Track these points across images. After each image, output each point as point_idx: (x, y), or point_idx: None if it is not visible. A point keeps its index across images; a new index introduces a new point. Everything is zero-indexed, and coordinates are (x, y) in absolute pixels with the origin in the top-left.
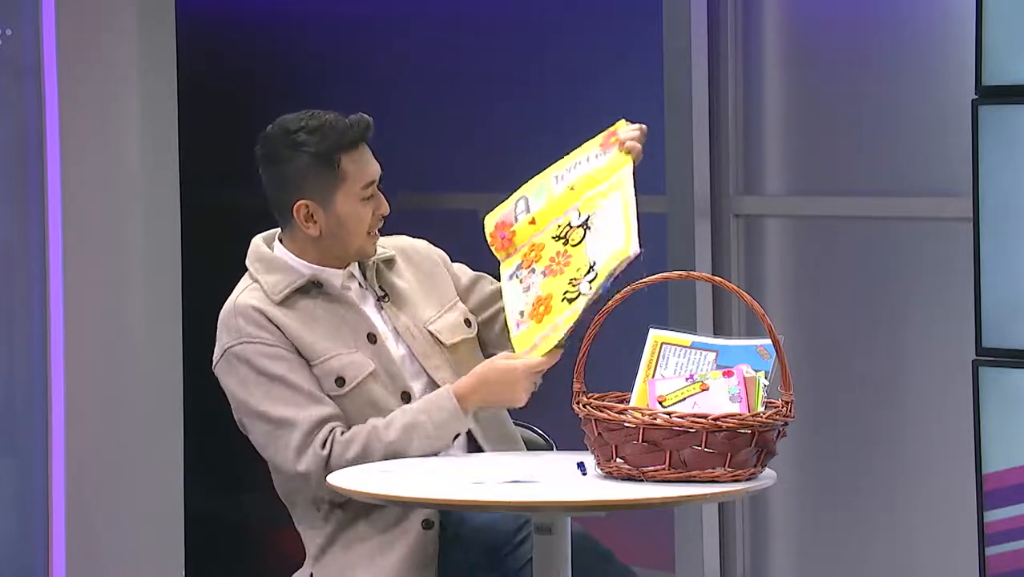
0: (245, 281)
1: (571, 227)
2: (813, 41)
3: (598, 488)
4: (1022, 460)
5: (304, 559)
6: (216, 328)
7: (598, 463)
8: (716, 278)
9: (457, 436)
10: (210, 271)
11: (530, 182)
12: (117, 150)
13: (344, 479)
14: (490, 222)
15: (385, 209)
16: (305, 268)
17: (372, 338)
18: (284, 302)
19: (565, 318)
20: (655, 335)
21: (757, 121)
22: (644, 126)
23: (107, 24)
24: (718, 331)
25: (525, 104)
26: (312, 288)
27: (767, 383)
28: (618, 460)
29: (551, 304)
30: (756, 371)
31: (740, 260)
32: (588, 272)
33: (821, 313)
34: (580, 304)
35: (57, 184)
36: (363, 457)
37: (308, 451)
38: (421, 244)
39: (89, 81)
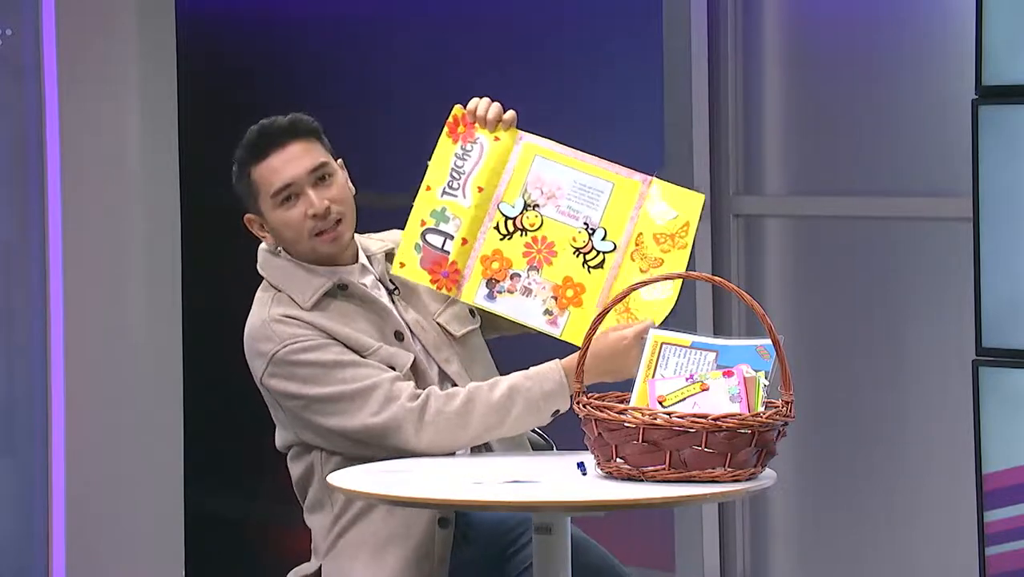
0: (266, 292)
1: (512, 218)
2: (813, 41)
3: (598, 488)
4: (1022, 460)
5: (306, 557)
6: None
7: (598, 463)
8: (716, 278)
9: (557, 412)
10: (210, 271)
11: (415, 214)
12: (117, 150)
13: (344, 479)
14: (415, 272)
15: (315, 208)
16: (324, 271)
17: (399, 336)
18: (315, 307)
19: (658, 272)
20: (655, 335)
21: (757, 121)
22: (482, 99)
23: (107, 24)
24: (718, 331)
25: (524, 104)
26: (338, 291)
27: (767, 383)
28: (618, 460)
29: (579, 282)
30: (756, 371)
31: (740, 260)
32: (590, 233)
33: (821, 313)
34: (682, 258)
35: (57, 184)
36: (464, 413)
37: (393, 405)
38: None
39: (89, 81)
